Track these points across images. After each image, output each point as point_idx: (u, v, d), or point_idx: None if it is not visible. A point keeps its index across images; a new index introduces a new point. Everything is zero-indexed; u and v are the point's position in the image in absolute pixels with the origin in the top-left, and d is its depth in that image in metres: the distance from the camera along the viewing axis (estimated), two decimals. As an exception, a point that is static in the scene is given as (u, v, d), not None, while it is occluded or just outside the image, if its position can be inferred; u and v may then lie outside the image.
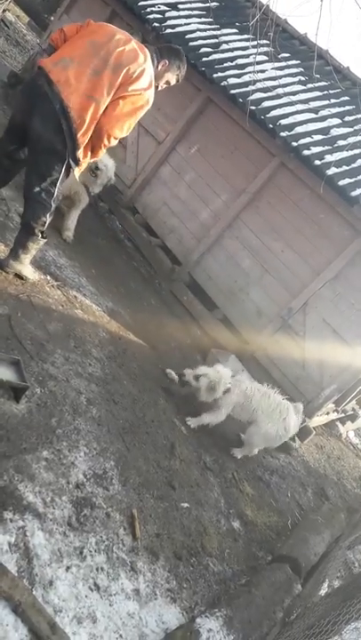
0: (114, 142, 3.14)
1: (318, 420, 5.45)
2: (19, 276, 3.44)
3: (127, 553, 2.40)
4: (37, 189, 3.15)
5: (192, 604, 2.49)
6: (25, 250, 3.33)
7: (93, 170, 4.62)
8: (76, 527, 2.28)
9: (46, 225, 3.31)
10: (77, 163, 3.13)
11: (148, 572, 2.41)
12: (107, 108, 3.01)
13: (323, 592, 3.14)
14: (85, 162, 3.20)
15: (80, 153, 3.09)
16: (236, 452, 4.01)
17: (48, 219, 3.28)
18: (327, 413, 5.64)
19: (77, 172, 3.25)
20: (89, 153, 3.16)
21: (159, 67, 3.18)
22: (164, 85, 3.30)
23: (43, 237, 3.37)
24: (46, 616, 1.83)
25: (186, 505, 3.03)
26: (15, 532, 2.02)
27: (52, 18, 9.77)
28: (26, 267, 3.45)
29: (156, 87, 3.21)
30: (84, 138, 3.04)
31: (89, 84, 2.94)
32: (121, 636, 2.05)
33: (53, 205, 3.25)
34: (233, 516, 3.36)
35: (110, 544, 2.35)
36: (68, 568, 2.09)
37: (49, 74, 2.94)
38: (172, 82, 3.32)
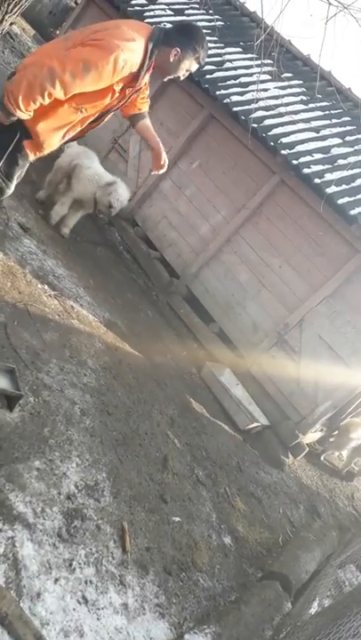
0: (49, 78, 2.30)
1: (312, 436, 5.44)
2: None
3: (117, 566, 2.37)
4: None
5: (181, 620, 2.46)
6: None
7: (107, 207, 4.65)
8: (66, 539, 2.26)
9: None
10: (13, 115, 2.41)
11: (137, 587, 2.39)
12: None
13: (313, 611, 3.11)
14: (13, 104, 2.36)
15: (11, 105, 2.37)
16: None
17: None
18: (321, 430, 5.63)
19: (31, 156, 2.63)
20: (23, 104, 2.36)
21: (171, 57, 2.60)
22: (186, 73, 2.73)
23: None
24: (33, 629, 1.81)
25: (177, 519, 3.01)
26: (4, 543, 2.01)
27: (58, 32, 9.91)
28: None
29: (178, 78, 2.73)
30: (11, 86, 2.36)
31: (40, 52, 2.52)
32: (108, 650, 2.03)
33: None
34: (224, 532, 3.33)
35: (100, 557, 2.33)
36: (56, 580, 2.07)
37: None
38: (194, 67, 2.72)
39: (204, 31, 6.27)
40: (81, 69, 2.31)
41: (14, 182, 2.74)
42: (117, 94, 2.56)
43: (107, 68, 2.35)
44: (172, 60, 2.61)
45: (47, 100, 2.38)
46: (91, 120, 2.69)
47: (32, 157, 2.69)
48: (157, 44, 2.52)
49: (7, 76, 2.55)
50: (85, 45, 2.36)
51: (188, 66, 2.68)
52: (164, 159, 3.10)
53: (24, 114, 2.41)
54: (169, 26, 6.08)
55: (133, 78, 2.51)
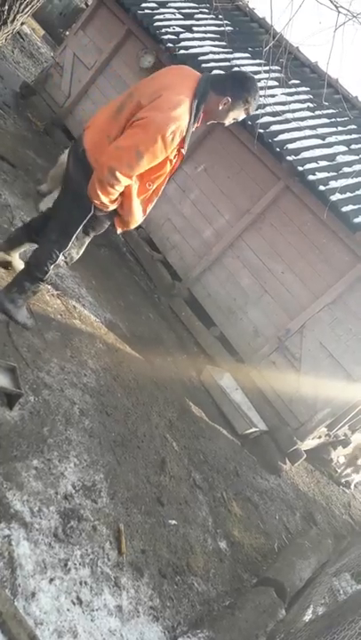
0: (112, 177, 2.51)
1: (310, 443, 5.43)
2: (9, 317, 3.03)
3: (112, 568, 2.37)
4: (53, 236, 2.89)
5: (175, 624, 2.46)
6: (20, 289, 3.01)
7: None
8: (62, 539, 2.26)
9: (48, 274, 2.98)
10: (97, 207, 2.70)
11: (131, 589, 2.39)
12: None
13: (307, 618, 3.10)
14: (101, 203, 2.65)
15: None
16: None
17: (51, 269, 2.95)
18: (319, 437, 5.62)
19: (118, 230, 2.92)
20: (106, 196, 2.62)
21: (220, 105, 2.62)
22: (232, 121, 2.77)
23: (42, 282, 3.05)
24: (27, 628, 1.80)
25: (173, 522, 3.00)
26: (0, 541, 2.01)
27: (68, 33, 9.95)
28: (19, 310, 3.07)
29: (223, 124, 2.80)
30: None
31: (107, 121, 2.63)
32: (101, 652, 2.03)
33: (60, 258, 2.93)
34: (220, 536, 3.33)
35: (95, 558, 2.33)
36: (51, 580, 2.07)
37: (86, 124, 2.78)
38: (241, 117, 2.76)
39: (213, 36, 6.25)
40: (135, 157, 2.48)
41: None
42: (175, 159, 2.67)
43: (157, 147, 2.48)
44: (220, 108, 2.64)
45: (121, 188, 2.59)
46: (163, 187, 2.85)
47: (119, 231, 2.95)
48: (204, 97, 2.57)
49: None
50: (133, 127, 2.50)
51: (237, 115, 2.71)
52: None
53: (112, 206, 2.69)
54: (178, 29, 5.99)
55: (184, 139, 2.59)
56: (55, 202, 3.07)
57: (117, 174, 2.49)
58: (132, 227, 2.93)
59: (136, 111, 2.52)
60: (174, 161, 2.67)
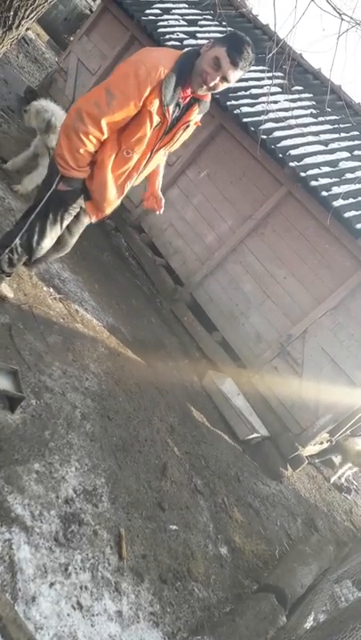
0: (78, 120, 2.29)
1: (312, 449, 5.42)
2: None
3: (112, 573, 2.36)
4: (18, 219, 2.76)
5: (175, 630, 2.45)
6: None
7: (46, 128, 4.47)
8: (63, 543, 2.25)
9: (2, 262, 2.80)
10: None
11: (132, 594, 2.38)
12: None
13: (308, 625, 3.08)
14: (65, 163, 2.43)
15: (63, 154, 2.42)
16: None
17: (5, 253, 2.77)
18: (321, 443, 5.61)
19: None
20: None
21: (202, 50, 2.39)
22: (213, 65, 2.32)
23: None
24: (27, 633, 1.79)
25: (174, 527, 3.00)
26: (1, 545, 2.00)
27: (72, 38, 10.01)
28: None
29: (212, 87, 2.40)
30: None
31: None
32: (101, 658, 2.02)
33: (17, 241, 2.71)
34: (221, 542, 3.32)
35: (96, 562, 2.32)
36: (51, 584, 2.06)
37: None
38: (225, 63, 2.30)
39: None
40: (104, 96, 2.27)
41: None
42: (157, 120, 2.37)
43: (129, 84, 2.24)
44: (201, 50, 2.37)
45: (90, 145, 2.35)
46: (143, 163, 2.56)
47: (93, 220, 2.73)
48: (188, 69, 2.33)
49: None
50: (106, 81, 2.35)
51: (216, 53, 2.30)
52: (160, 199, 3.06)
53: (79, 171, 2.43)
54: (181, 35, 5.98)
55: (162, 100, 2.30)
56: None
57: (84, 117, 2.26)
58: (107, 211, 2.70)
59: None
60: (156, 122, 2.37)
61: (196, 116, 2.60)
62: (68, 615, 2.03)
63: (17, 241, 2.72)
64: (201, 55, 2.38)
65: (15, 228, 2.77)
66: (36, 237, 2.73)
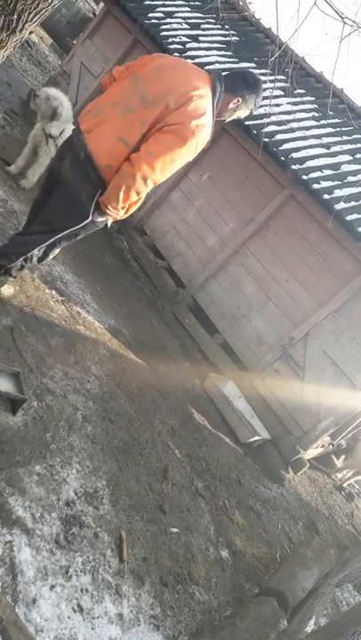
0: (143, 185, 2.45)
1: (313, 452, 5.41)
2: None
3: (113, 575, 2.36)
4: (36, 230, 2.76)
5: (175, 633, 2.44)
6: None
7: (52, 113, 4.53)
8: (64, 545, 2.25)
9: (13, 264, 2.83)
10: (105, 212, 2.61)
11: (132, 597, 2.37)
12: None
13: (309, 629, 3.07)
14: (115, 211, 2.59)
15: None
16: None
17: (19, 261, 2.81)
18: (322, 446, 5.60)
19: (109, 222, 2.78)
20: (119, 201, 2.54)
21: (230, 104, 2.66)
22: (232, 119, 2.81)
23: (4, 272, 2.91)
24: (28, 635, 1.79)
25: (175, 530, 2.99)
26: (2, 547, 2.00)
27: (75, 41, 10.05)
28: None
29: (223, 120, 2.78)
30: None
31: (119, 123, 2.48)
32: (101, 661, 2.01)
33: (35, 252, 2.77)
34: (222, 545, 3.31)
35: (97, 565, 2.32)
36: (52, 587, 2.06)
37: (80, 124, 2.61)
38: (244, 116, 2.80)
39: (220, 46, 6.30)
40: (168, 164, 2.47)
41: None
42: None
43: (190, 153, 2.52)
44: (230, 107, 2.69)
45: (144, 194, 2.56)
46: None
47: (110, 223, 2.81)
48: (220, 97, 2.60)
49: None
50: (163, 133, 2.44)
51: (242, 115, 2.77)
52: None
53: (121, 212, 2.60)
54: (184, 39, 5.99)
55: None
56: (45, 200, 2.84)
57: (149, 182, 2.45)
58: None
59: (164, 114, 2.44)
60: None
61: None
62: (69, 618, 2.03)
63: (35, 252, 2.78)
64: (229, 108, 2.70)
65: (33, 237, 2.78)
66: (54, 250, 2.86)
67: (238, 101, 2.67)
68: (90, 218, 2.63)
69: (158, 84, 2.49)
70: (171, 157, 2.44)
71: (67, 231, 2.69)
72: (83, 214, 2.62)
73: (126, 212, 2.65)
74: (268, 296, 5.31)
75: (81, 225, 2.66)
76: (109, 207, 2.54)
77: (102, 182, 2.54)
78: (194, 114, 2.44)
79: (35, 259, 2.84)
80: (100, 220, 2.68)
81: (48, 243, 2.75)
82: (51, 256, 2.90)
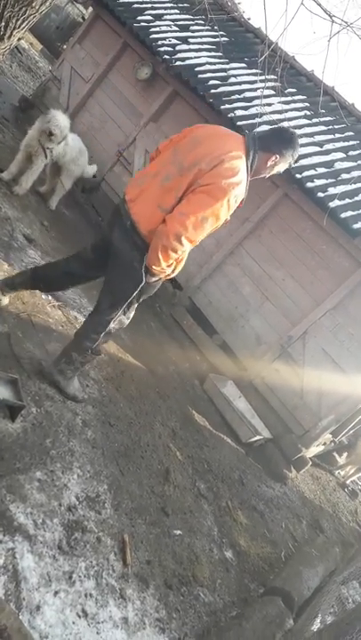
0: (178, 243, 2.55)
1: (315, 450, 5.41)
2: (59, 390, 3.00)
3: (117, 579, 2.35)
4: (104, 306, 2.91)
5: (181, 636, 2.43)
6: (68, 360, 2.98)
7: (48, 135, 4.67)
8: (67, 551, 2.24)
9: (97, 342, 2.98)
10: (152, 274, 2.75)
11: (137, 600, 2.37)
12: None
13: (315, 628, 3.07)
14: (161, 269, 2.70)
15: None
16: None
17: (101, 337, 2.96)
18: (324, 444, 5.59)
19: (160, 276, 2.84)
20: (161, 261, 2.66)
21: (268, 162, 2.75)
22: (273, 174, 2.89)
23: (92, 353, 3.03)
24: (32, 642, 1.79)
25: (178, 532, 2.99)
26: (4, 554, 1.99)
27: (65, 46, 10.06)
28: (69, 382, 3.03)
29: (263, 177, 2.90)
30: None
31: (158, 192, 2.63)
32: (107, 666, 2.01)
33: (111, 325, 2.94)
34: (226, 546, 3.30)
35: (100, 570, 2.31)
36: (56, 593, 2.05)
37: (125, 194, 2.77)
38: (283, 169, 2.88)
39: (209, 47, 6.29)
40: (200, 222, 2.54)
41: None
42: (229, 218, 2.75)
43: (222, 212, 2.58)
44: (268, 164, 2.77)
45: (182, 253, 2.67)
46: None
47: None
48: (254, 157, 2.69)
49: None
50: (196, 193, 2.54)
51: (281, 169, 2.84)
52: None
53: (168, 270, 2.72)
54: (174, 41, 6.02)
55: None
56: (95, 259, 3.04)
57: (183, 239, 2.54)
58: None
59: (197, 177, 2.55)
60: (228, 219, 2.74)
61: None
62: (74, 623, 2.02)
63: (111, 325, 2.94)
64: (267, 166, 2.77)
65: (104, 316, 2.92)
66: (129, 315, 3.02)
67: (276, 158, 2.75)
68: (144, 281, 2.74)
69: (194, 152, 2.60)
70: (202, 215, 2.53)
71: (129, 299, 2.84)
72: (137, 279, 2.74)
73: (173, 270, 2.78)
74: (266, 295, 5.31)
75: (138, 289, 2.79)
76: (153, 267, 2.66)
77: (148, 247, 2.67)
78: (225, 173, 2.53)
79: (112, 330, 2.99)
80: (154, 279, 2.77)
81: (119, 313, 2.90)
82: (126, 322, 3.03)
